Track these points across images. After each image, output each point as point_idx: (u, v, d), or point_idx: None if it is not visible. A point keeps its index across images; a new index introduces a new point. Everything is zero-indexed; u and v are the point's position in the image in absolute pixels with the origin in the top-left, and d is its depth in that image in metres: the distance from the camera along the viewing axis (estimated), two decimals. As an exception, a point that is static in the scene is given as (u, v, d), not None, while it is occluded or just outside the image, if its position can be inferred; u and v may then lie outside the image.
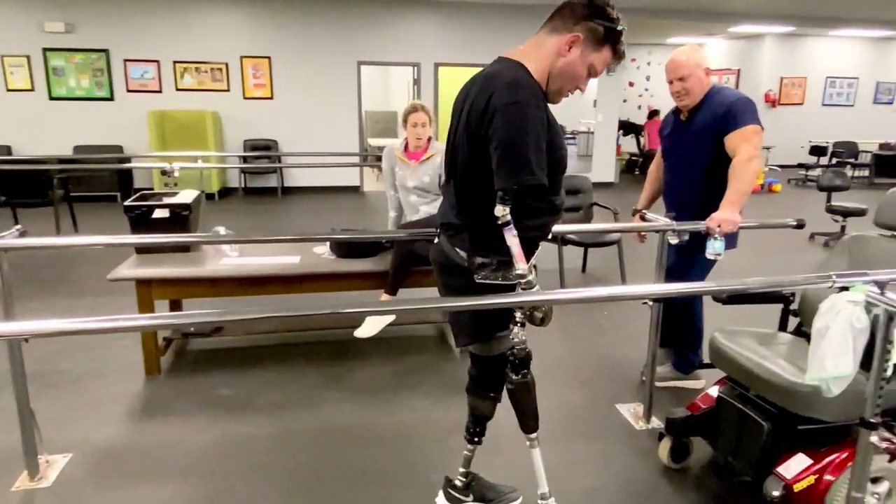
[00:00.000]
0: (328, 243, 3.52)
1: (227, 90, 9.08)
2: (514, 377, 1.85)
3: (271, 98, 9.24)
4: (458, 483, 2.17)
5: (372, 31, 9.28)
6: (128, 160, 8.11)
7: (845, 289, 1.72)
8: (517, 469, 2.41)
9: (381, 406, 3.00)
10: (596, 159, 10.70)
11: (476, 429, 2.09)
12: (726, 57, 13.86)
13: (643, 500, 2.32)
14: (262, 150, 9.26)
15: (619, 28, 1.77)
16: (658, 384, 3.12)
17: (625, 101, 13.10)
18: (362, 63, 9.40)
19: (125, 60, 8.68)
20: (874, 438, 1.77)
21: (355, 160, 9.81)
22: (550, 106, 1.80)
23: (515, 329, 1.81)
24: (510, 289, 1.77)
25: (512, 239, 1.69)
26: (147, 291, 3.16)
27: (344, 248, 3.43)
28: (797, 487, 1.97)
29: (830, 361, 1.70)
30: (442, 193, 2.02)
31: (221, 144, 9.09)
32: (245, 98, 9.17)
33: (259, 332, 3.75)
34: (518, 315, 1.79)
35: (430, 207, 3.54)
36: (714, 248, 2.55)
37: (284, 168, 9.45)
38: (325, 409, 2.96)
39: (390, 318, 3.46)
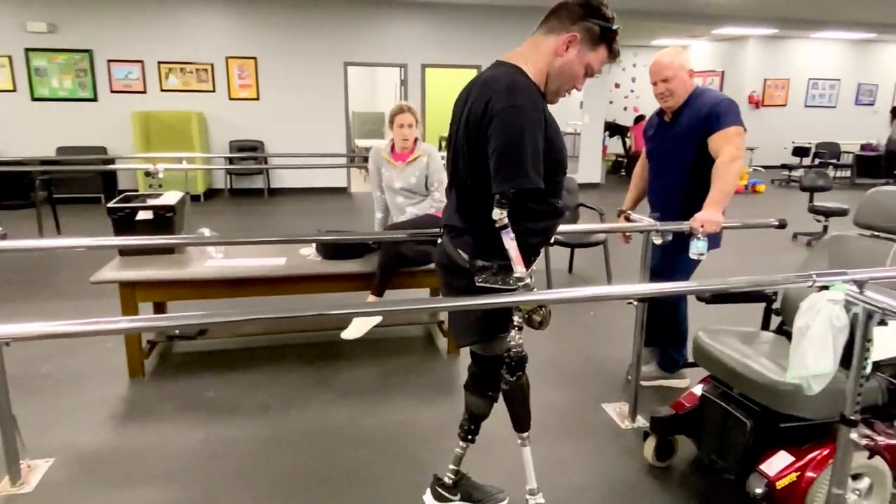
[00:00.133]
0: (314, 244, 3.51)
1: (213, 91, 9.02)
2: (509, 378, 1.88)
3: (257, 99, 9.19)
4: (446, 481, 2.17)
5: (359, 32, 9.27)
6: (112, 161, 8.02)
7: (825, 288, 1.74)
8: (504, 470, 2.42)
9: (368, 407, 2.99)
10: (582, 160, 10.76)
11: (471, 426, 2.11)
12: (711, 59, 13.99)
13: (628, 498, 2.34)
14: (248, 151, 9.21)
15: (615, 27, 1.80)
16: (643, 383, 3.14)
17: (611, 102, 13.19)
18: (349, 64, 9.38)
19: (109, 61, 8.60)
20: (854, 435, 1.79)
21: (342, 161, 9.78)
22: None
23: (512, 332, 1.83)
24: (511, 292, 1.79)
25: (510, 242, 1.71)
26: (131, 294, 3.13)
27: (330, 250, 3.42)
28: (780, 484, 1.99)
29: (811, 359, 1.72)
30: (446, 196, 2.04)
31: (207, 145, 9.03)
32: (231, 99, 9.11)
33: (245, 335, 3.73)
34: (516, 318, 1.81)
35: (416, 209, 3.54)
36: (697, 248, 2.57)
37: (271, 169, 9.40)
38: (312, 411, 2.95)
39: (377, 319, 3.46)
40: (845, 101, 13.71)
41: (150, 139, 8.62)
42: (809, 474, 1.99)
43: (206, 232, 3.48)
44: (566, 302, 1.79)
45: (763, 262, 5.90)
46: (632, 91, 14.57)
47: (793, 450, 2.05)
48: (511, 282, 1.77)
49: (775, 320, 2.59)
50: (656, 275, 2.90)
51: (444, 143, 12.62)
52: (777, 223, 2.81)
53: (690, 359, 2.54)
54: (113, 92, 8.71)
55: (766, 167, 12.70)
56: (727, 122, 2.74)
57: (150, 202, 3.44)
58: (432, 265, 3.45)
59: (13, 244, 2.24)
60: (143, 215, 3.34)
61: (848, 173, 11.77)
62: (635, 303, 2.75)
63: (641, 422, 2.85)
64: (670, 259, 2.93)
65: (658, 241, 2.67)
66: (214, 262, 3.31)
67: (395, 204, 3.62)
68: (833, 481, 1.86)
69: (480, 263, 1.82)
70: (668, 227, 2.64)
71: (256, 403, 3.01)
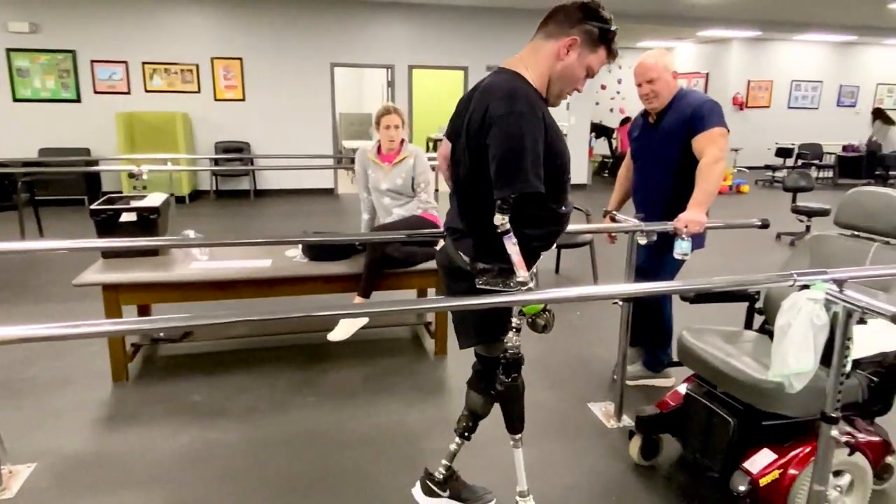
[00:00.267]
0: (300, 246, 3.49)
1: (198, 92, 8.95)
2: (504, 379, 1.91)
3: (243, 100, 9.13)
4: (437, 476, 2.18)
5: (345, 33, 9.24)
6: (95, 163, 7.94)
7: (806, 287, 1.76)
8: (493, 471, 2.42)
9: (354, 409, 2.98)
10: (569, 161, 10.79)
11: (468, 424, 2.12)
12: (695, 61, 14.11)
13: (614, 496, 2.35)
14: (234, 153, 9.14)
15: (613, 28, 1.83)
16: (629, 383, 3.16)
17: (597, 104, 13.24)
18: (336, 65, 9.35)
19: (92, 61, 8.50)
20: (835, 432, 1.82)
21: (329, 162, 9.75)
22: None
23: (510, 334, 1.85)
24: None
25: (512, 247, 1.73)
26: (114, 297, 3.10)
27: (316, 251, 3.41)
28: (763, 482, 2.01)
29: (792, 358, 1.74)
30: (449, 200, 2.06)
31: (192, 147, 8.95)
32: (216, 100, 9.05)
33: (230, 337, 3.71)
34: (514, 320, 1.83)
35: (403, 210, 3.54)
36: (681, 248, 2.59)
37: (257, 170, 9.35)
38: (298, 413, 2.94)
39: (363, 320, 3.45)
40: (827, 102, 13.89)
41: (134, 140, 8.53)
42: (792, 471, 2.01)
43: (191, 234, 3.45)
44: (553, 302, 1.79)
45: (747, 261, 5.96)
46: (618, 93, 14.65)
47: (776, 447, 2.07)
48: (512, 284, 1.79)
49: (758, 319, 2.62)
50: (641, 275, 2.92)
51: (431, 145, 12.63)
52: (760, 223, 2.84)
53: (675, 358, 2.55)
54: (96, 93, 8.61)
55: (749, 168, 12.84)
56: (711, 123, 2.77)
57: (134, 204, 3.40)
58: (419, 266, 3.45)
59: (-7, 247, 2.21)
60: (126, 217, 3.31)
61: (830, 174, 11.93)
62: (621, 303, 2.77)
63: (627, 421, 2.87)
64: (655, 259, 2.95)
65: (643, 241, 2.69)
66: (199, 264, 3.29)
67: (381, 205, 3.62)
68: (814, 478, 1.88)
69: (481, 266, 1.84)
70: (652, 227, 2.67)
71: (242, 406, 2.99)
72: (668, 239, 2.68)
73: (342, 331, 3.41)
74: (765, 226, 2.83)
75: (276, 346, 3.71)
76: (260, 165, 9.33)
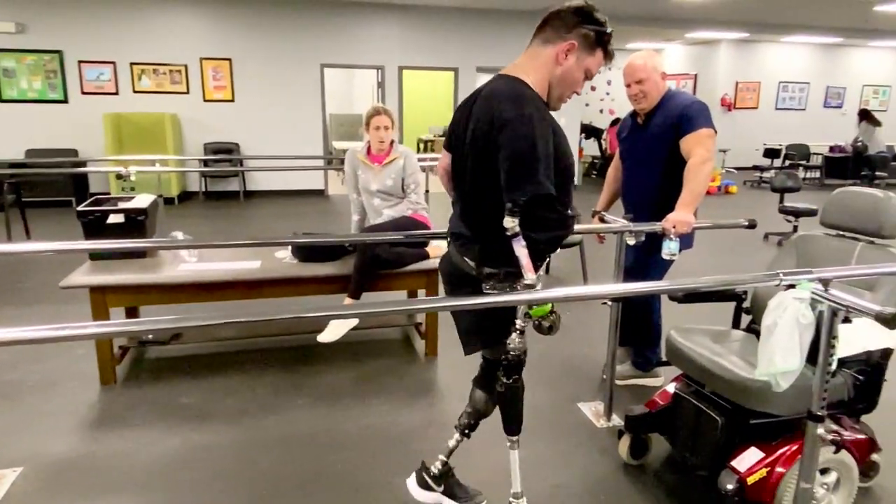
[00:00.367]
0: (290, 247, 3.48)
1: (187, 92, 8.91)
2: (505, 380, 1.91)
3: (232, 101, 9.10)
4: (433, 470, 2.17)
5: (335, 34, 9.23)
6: (83, 164, 7.88)
7: (792, 286, 1.77)
8: (485, 472, 2.43)
9: (345, 411, 2.98)
10: (559, 162, 10.81)
11: (470, 422, 2.13)
12: (684, 62, 14.20)
13: (604, 496, 2.36)
14: (224, 154, 9.09)
15: (609, 30, 1.84)
16: (618, 382, 3.18)
17: (587, 105, 13.30)
18: (326, 65, 9.33)
19: (80, 62, 8.44)
20: (821, 431, 1.83)
21: (319, 163, 9.72)
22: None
23: (513, 335, 1.84)
24: None
25: (521, 250, 1.72)
26: (101, 299, 3.08)
27: (306, 252, 3.40)
28: (750, 480, 2.03)
29: (779, 357, 1.75)
30: (452, 205, 2.06)
31: (181, 148, 8.90)
32: (205, 100, 9.00)
33: (219, 339, 3.69)
34: (518, 322, 1.83)
35: (393, 211, 3.53)
36: (669, 248, 2.61)
37: (246, 171, 9.31)
38: (288, 415, 2.93)
39: (353, 322, 3.44)
40: (814, 103, 14.02)
41: (122, 141, 8.47)
42: (779, 469, 2.03)
43: (180, 235, 3.43)
44: (543, 302, 1.79)
45: (735, 261, 6.01)
46: (607, 94, 14.69)
47: (763, 446, 2.09)
48: (519, 288, 1.78)
49: (746, 319, 2.64)
50: (630, 275, 2.93)
51: (421, 146, 12.62)
52: (747, 223, 2.86)
53: (664, 357, 2.57)
54: (84, 93, 8.55)
55: (738, 168, 12.93)
56: (698, 124, 2.79)
57: (122, 205, 3.38)
58: (409, 267, 3.45)
59: (-22, 249, 2.19)
60: (113, 218, 3.28)
61: (817, 174, 12.04)
62: (610, 303, 2.78)
63: (616, 420, 2.88)
64: (644, 259, 2.97)
65: (631, 241, 2.70)
66: (188, 265, 3.27)
67: (371, 206, 3.61)
68: (801, 476, 1.90)
69: (487, 271, 1.85)
70: (641, 227, 2.68)
71: (232, 409, 2.98)
72: (656, 239, 2.69)
73: (332, 332, 3.40)
74: (752, 226, 2.85)
75: (266, 347, 3.70)
76: (249, 166, 9.29)
